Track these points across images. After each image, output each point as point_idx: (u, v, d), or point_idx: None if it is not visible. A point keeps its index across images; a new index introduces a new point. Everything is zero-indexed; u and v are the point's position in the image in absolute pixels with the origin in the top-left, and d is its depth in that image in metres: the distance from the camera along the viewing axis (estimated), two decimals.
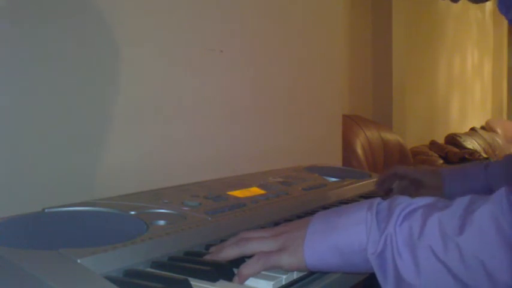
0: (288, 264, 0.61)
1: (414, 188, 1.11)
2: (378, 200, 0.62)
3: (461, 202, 0.56)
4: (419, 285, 0.54)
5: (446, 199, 0.60)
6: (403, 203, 0.59)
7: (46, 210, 0.74)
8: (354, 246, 0.58)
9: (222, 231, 0.75)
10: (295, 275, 0.63)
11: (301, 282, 0.63)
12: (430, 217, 0.55)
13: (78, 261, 0.54)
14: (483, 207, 0.53)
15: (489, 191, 0.96)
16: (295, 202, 0.96)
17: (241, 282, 0.59)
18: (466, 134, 4.37)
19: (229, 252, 0.64)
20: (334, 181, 1.21)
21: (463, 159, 3.42)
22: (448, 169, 1.12)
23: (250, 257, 0.63)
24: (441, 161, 3.46)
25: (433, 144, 3.78)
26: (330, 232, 0.60)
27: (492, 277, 0.51)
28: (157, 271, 0.61)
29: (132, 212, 0.75)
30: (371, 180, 1.27)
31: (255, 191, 0.98)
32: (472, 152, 3.66)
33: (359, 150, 2.36)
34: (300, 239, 0.61)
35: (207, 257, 0.65)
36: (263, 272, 0.62)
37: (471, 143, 4.09)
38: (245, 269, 0.60)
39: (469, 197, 0.56)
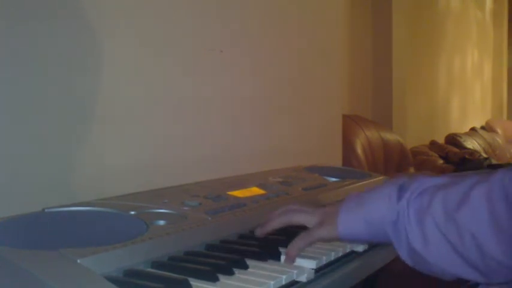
0: (325, 235, 0.70)
1: None
2: (404, 179, 0.68)
3: (469, 181, 0.61)
4: (427, 254, 0.61)
5: None
6: (420, 180, 0.65)
7: (46, 210, 0.74)
8: (377, 216, 0.66)
9: (222, 231, 0.76)
10: (295, 276, 0.63)
11: (302, 282, 0.63)
12: (436, 194, 0.62)
13: (78, 261, 0.55)
14: (481, 186, 0.59)
15: None
16: None
17: (291, 261, 0.67)
18: (466, 134, 4.37)
19: (277, 221, 0.74)
20: (334, 181, 1.21)
21: (463, 159, 3.42)
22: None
23: (252, 257, 0.65)
24: (441, 161, 3.46)
25: (433, 144, 3.78)
26: (359, 205, 0.69)
27: (482, 250, 0.57)
28: (158, 271, 0.61)
29: (132, 212, 0.75)
30: (371, 180, 1.27)
31: (255, 191, 0.98)
32: (472, 152, 3.66)
33: (359, 150, 2.36)
34: (336, 212, 0.70)
35: (258, 230, 0.75)
36: (263, 272, 0.62)
37: (471, 143, 4.08)
38: (291, 249, 0.68)
39: (479, 176, 0.62)
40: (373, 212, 0.67)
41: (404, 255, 0.64)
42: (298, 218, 0.73)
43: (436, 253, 0.61)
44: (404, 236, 0.63)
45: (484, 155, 3.78)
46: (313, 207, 0.76)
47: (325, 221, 0.71)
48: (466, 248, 0.58)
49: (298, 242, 0.69)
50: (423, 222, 0.61)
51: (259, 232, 0.76)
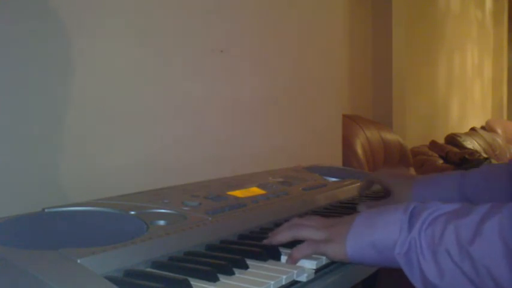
0: (333, 254, 0.68)
1: (385, 195, 1.08)
2: (415, 203, 0.67)
3: (480, 211, 0.60)
4: (442, 285, 0.60)
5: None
6: (431, 208, 0.65)
7: (46, 210, 0.74)
8: (388, 244, 0.64)
9: (222, 231, 0.75)
10: (295, 276, 0.63)
11: (302, 282, 0.63)
12: (449, 224, 0.61)
13: (78, 261, 0.54)
14: (494, 219, 0.58)
15: (465, 200, 0.95)
16: (295, 202, 0.96)
17: (293, 263, 0.67)
18: (466, 134, 4.37)
19: (284, 235, 0.72)
20: (334, 181, 1.21)
21: (463, 159, 3.42)
22: (421, 177, 1.08)
23: (252, 257, 0.65)
24: (441, 161, 3.46)
25: (433, 144, 3.78)
26: (369, 229, 0.67)
27: (498, 284, 0.56)
28: (158, 271, 0.61)
29: (132, 212, 0.75)
30: None
31: (255, 191, 0.98)
32: (472, 152, 3.66)
33: (359, 150, 2.36)
34: (345, 234, 0.68)
35: (265, 241, 0.73)
36: (263, 272, 0.62)
37: (471, 143, 4.08)
38: (297, 252, 0.68)
39: (490, 205, 0.61)
40: (382, 238, 0.65)
41: (418, 284, 0.63)
42: (304, 233, 0.72)
43: (451, 284, 0.60)
44: (416, 266, 0.62)
45: (484, 155, 3.78)
46: (320, 222, 0.75)
47: (333, 239, 0.69)
48: (482, 281, 0.57)
49: (305, 248, 0.69)
50: (436, 253, 0.60)
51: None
